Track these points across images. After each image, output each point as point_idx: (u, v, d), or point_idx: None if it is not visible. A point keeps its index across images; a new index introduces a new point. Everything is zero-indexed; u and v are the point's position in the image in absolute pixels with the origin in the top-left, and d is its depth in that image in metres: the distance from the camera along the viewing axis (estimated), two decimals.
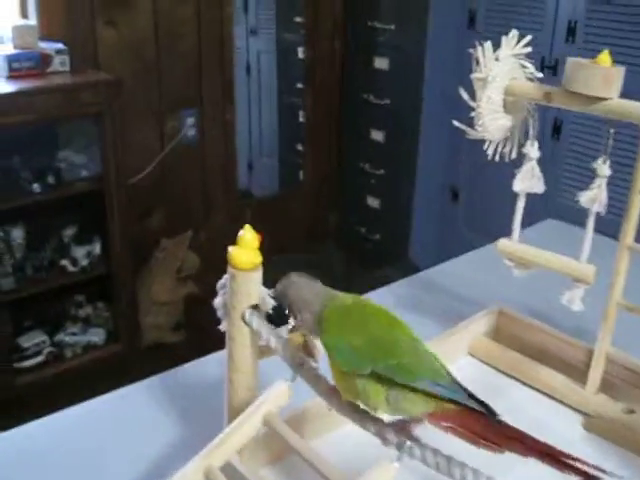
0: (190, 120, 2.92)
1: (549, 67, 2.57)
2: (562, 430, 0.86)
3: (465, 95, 0.85)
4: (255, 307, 0.68)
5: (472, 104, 0.86)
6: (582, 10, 2.50)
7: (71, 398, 0.97)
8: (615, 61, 0.78)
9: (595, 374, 0.89)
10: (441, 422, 0.57)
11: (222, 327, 0.72)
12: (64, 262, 2.51)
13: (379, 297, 1.13)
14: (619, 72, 0.77)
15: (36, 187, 2.34)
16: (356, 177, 3.51)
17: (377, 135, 3.32)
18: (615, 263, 0.83)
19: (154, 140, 2.84)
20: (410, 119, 3.15)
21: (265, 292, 0.68)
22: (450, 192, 3.20)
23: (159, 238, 2.86)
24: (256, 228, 0.68)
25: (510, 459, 0.57)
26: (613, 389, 0.89)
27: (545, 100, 0.83)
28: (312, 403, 0.78)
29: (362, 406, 0.61)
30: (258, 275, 0.68)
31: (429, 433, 0.60)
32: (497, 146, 0.91)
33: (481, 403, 0.57)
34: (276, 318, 0.69)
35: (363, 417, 0.61)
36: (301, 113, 3.50)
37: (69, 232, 2.57)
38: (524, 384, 0.95)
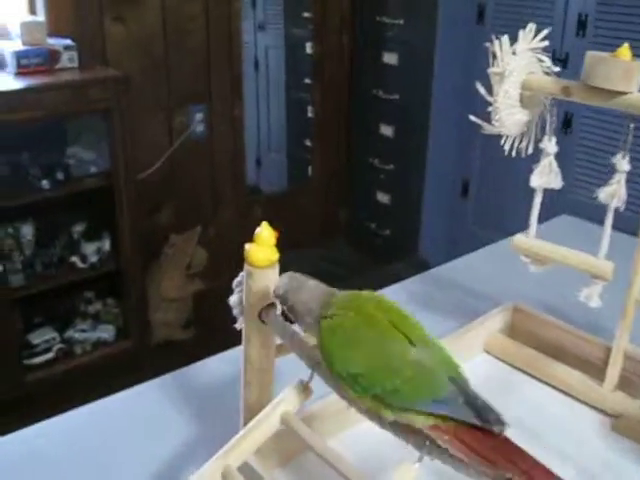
0: (199, 116, 2.92)
1: (560, 60, 2.55)
2: (579, 428, 0.86)
3: (482, 90, 0.84)
4: (271, 305, 0.67)
5: (489, 99, 0.85)
6: (593, 3, 2.49)
7: (81, 395, 0.97)
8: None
9: (613, 371, 0.88)
10: (443, 436, 0.56)
11: (238, 325, 0.72)
12: (74, 258, 2.51)
13: (392, 294, 1.10)
14: (639, 66, 0.75)
15: (45, 183, 2.34)
16: (365, 172, 3.50)
17: (386, 130, 3.31)
18: (634, 260, 0.82)
19: (163, 136, 2.84)
20: (419, 114, 3.14)
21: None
22: (460, 187, 3.18)
23: (168, 234, 2.86)
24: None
25: None
26: (631, 386, 0.88)
27: (563, 94, 0.82)
28: (326, 402, 0.77)
29: None
30: (275, 272, 0.67)
31: None
32: (514, 141, 0.90)
33: (484, 412, 0.54)
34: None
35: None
36: (309, 108, 3.49)
37: (78, 228, 2.57)
38: (540, 381, 0.94)
